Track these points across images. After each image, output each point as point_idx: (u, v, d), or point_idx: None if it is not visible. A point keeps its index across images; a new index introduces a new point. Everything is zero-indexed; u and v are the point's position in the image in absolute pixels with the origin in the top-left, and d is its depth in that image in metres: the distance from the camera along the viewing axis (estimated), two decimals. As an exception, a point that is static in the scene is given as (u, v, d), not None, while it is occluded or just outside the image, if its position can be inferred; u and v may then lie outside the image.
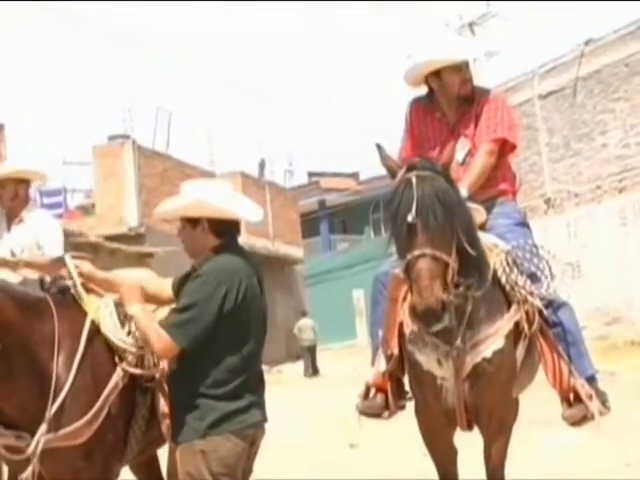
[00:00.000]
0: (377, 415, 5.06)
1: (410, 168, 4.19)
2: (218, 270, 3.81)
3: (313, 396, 15.44)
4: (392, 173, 4.32)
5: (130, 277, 4.35)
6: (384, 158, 4.40)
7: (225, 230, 3.93)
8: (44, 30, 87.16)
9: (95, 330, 3.90)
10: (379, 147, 4.42)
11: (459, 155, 4.94)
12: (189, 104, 69.94)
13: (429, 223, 4.01)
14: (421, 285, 3.92)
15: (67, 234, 18.77)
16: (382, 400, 4.99)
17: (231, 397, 3.77)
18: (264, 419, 3.93)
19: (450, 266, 4.04)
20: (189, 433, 3.74)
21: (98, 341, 3.89)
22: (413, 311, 4.03)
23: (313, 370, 24.91)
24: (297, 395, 14.82)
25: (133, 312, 3.83)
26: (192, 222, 3.90)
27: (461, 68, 4.94)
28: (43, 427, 3.60)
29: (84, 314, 3.93)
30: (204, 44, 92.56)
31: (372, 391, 5.05)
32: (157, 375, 4.02)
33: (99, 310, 3.99)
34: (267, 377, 4.12)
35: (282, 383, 18.77)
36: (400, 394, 5.02)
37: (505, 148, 5.01)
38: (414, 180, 4.10)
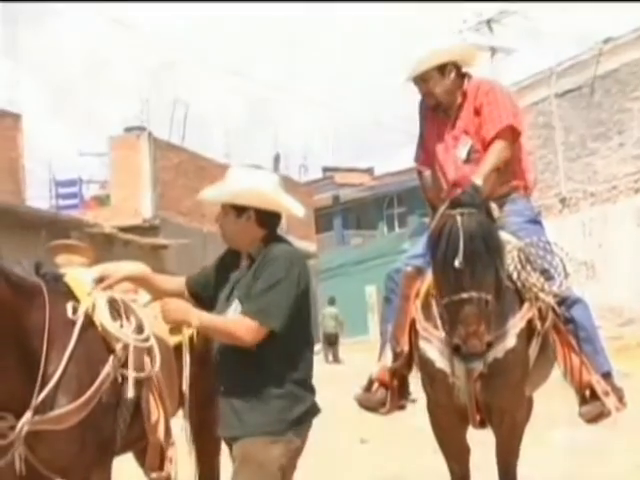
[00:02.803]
0: (374, 409, 5.05)
1: (453, 204, 4.20)
2: (287, 253, 3.76)
3: (324, 390, 15.44)
4: (433, 206, 4.36)
5: (123, 268, 4.24)
6: (425, 190, 4.45)
7: (269, 222, 3.85)
8: (63, 22, 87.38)
9: (88, 320, 3.88)
10: (420, 174, 4.43)
11: (461, 152, 4.92)
12: (206, 97, 69.96)
13: (476, 268, 4.06)
14: (469, 330, 3.99)
15: (82, 224, 18.93)
16: (383, 396, 4.96)
17: (310, 388, 3.78)
18: None
19: (490, 302, 4.10)
20: (273, 424, 3.62)
21: (91, 331, 3.88)
22: (454, 349, 4.07)
23: (334, 358, 24.74)
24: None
25: (200, 322, 3.68)
26: (238, 210, 3.79)
27: (419, 83, 4.95)
28: (28, 414, 3.59)
29: (78, 303, 3.90)
30: (221, 38, 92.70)
31: (375, 385, 5.03)
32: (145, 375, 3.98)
33: (94, 301, 3.96)
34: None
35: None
36: (403, 393, 5.01)
37: (512, 136, 4.92)
38: (459, 220, 4.12)
